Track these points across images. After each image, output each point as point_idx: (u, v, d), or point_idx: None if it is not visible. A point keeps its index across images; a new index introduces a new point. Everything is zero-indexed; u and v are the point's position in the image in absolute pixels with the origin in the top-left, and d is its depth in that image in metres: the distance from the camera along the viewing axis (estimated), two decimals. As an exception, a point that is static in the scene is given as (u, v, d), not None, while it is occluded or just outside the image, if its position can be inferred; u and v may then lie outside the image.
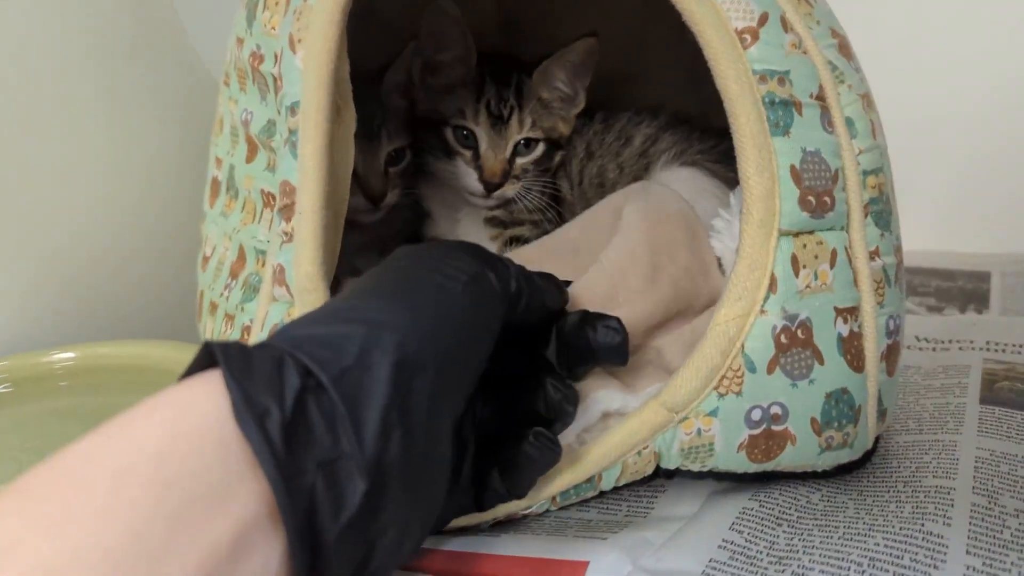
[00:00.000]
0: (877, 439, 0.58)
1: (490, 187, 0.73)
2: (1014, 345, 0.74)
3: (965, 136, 1.04)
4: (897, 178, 1.05)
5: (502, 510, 0.51)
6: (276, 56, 0.54)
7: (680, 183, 0.71)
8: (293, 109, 0.51)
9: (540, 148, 0.75)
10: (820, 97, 0.53)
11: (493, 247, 0.76)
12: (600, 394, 0.52)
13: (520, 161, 0.74)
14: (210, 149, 0.69)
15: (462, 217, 0.79)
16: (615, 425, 0.52)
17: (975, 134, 1.04)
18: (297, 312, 0.51)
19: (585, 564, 0.48)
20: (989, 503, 0.51)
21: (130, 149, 0.79)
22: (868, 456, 0.57)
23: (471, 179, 0.73)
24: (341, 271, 0.69)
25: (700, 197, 0.68)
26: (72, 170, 0.75)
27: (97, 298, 0.75)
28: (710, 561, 0.47)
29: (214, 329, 0.63)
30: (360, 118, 0.75)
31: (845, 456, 0.55)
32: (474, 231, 0.78)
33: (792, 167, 0.52)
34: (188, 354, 0.62)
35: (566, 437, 0.50)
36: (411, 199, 0.81)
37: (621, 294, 0.56)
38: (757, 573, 0.46)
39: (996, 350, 0.74)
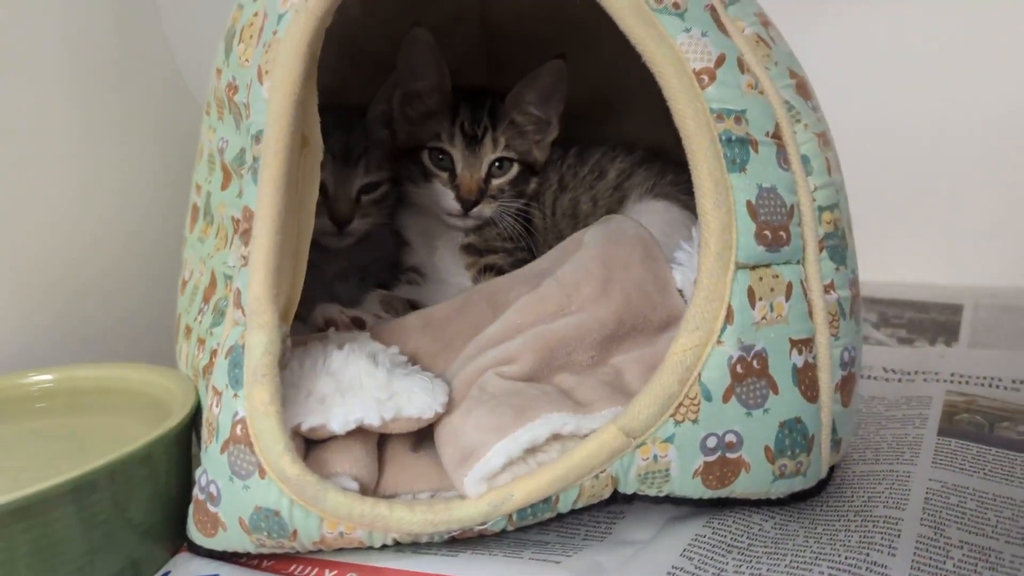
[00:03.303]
0: (833, 468, 0.60)
1: (467, 204, 0.75)
2: (978, 378, 0.76)
3: (944, 170, 1.07)
4: (875, 211, 1.07)
5: (459, 523, 0.52)
6: (248, 86, 0.56)
7: (653, 215, 0.73)
8: (257, 137, 0.53)
9: (515, 169, 0.77)
10: (776, 135, 0.55)
11: (468, 276, 0.78)
12: (552, 416, 0.53)
13: (495, 181, 0.76)
14: (192, 176, 0.71)
15: (439, 246, 0.80)
16: (572, 448, 0.53)
17: (955, 168, 1.06)
18: (253, 337, 0.52)
19: (537, 587, 0.49)
20: (935, 534, 0.52)
21: (113, 174, 0.81)
22: (823, 485, 0.58)
23: (448, 199, 0.75)
24: (320, 296, 0.71)
25: (673, 229, 0.70)
26: (52, 194, 0.77)
27: (76, 321, 0.76)
28: (659, 586, 0.48)
29: (188, 352, 0.64)
30: (341, 146, 0.78)
31: (798, 484, 0.56)
32: (450, 259, 0.80)
33: (748, 202, 0.53)
34: (164, 377, 0.64)
35: (508, 451, 0.52)
36: (391, 228, 0.83)
37: (575, 303, 0.59)
38: (704, 598, 0.48)
39: (960, 382, 0.76)
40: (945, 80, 1.05)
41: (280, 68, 0.52)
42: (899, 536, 0.52)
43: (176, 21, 0.87)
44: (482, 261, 0.78)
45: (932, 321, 0.94)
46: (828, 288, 0.56)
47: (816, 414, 0.56)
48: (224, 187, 0.63)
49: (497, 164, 0.76)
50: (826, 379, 0.56)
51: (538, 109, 0.78)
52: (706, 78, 0.54)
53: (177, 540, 0.58)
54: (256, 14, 0.58)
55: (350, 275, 0.82)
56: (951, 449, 0.63)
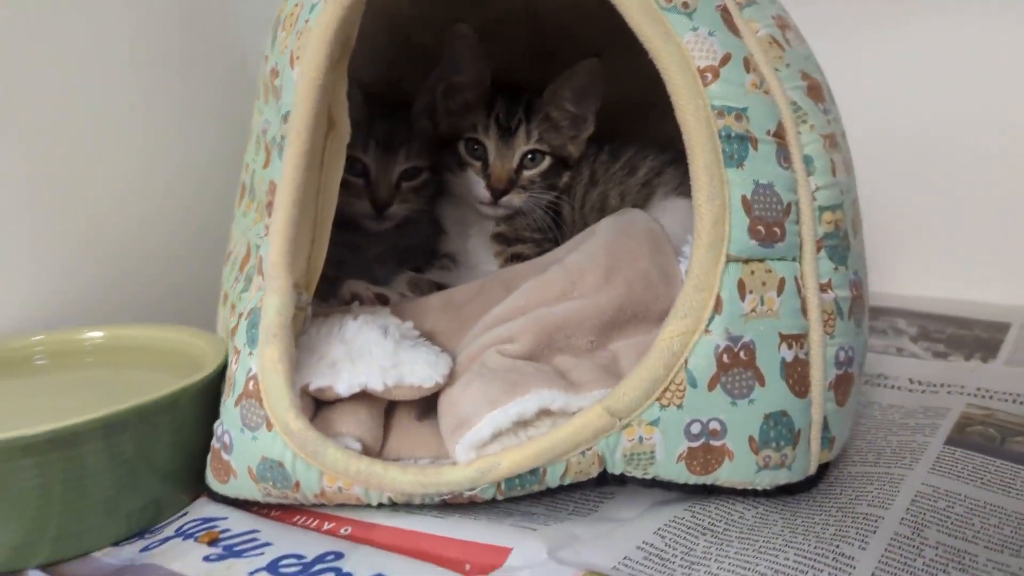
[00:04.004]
0: (827, 467, 0.60)
1: (497, 193, 0.78)
2: (1003, 393, 0.75)
3: (993, 186, 1.04)
4: (928, 227, 1.06)
5: (447, 486, 0.55)
6: (283, 71, 0.60)
7: (676, 212, 0.75)
8: (286, 117, 0.58)
9: (546, 162, 0.80)
10: (778, 135, 0.56)
11: (497, 263, 0.81)
12: (543, 392, 0.55)
13: (527, 173, 0.79)
14: (244, 156, 0.77)
15: (472, 234, 0.84)
16: (561, 423, 0.56)
17: (1004, 184, 1.04)
18: (268, 300, 0.57)
19: (508, 550, 0.52)
20: (912, 533, 0.52)
21: (172, 153, 0.88)
22: (813, 481, 0.59)
23: (480, 187, 0.79)
24: (361, 276, 0.76)
25: (692, 226, 0.71)
26: (115, 170, 0.84)
27: (126, 286, 0.84)
28: (624, 559, 0.51)
29: (223, 317, 0.69)
30: (385, 134, 0.82)
31: (783, 477, 0.57)
32: (481, 247, 0.83)
33: (743, 197, 0.55)
34: (201, 339, 0.70)
35: (497, 422, 0.54)
36: (430, 216, 0.87)
37: (577, 289, 0.61)
38: (664, 573, 0.49)
39: (984, 396, 0.74)
40: (1008, 94, 1.03)
41: (308, 54, 0.57)
42: (875, 532, 0.52)
43: (243, 10, 0.93)
44: (510, 250, 0.81)
45: (974, 338, 0.92)
46: (825, 287, 0.57)
47: (804, 409, 0.57)
48: (265, 166, 0.68)
49: (529, 156, 0.79)
50: (818, 376, 0.57)
51: (573, 105, 0.81)
52: (710, 75, 0.55)
53: (198, 488, 0.63)
54: (297, 4, 0.62)
55: (389, 259, 0.87)
56: (954, 458, 0.62)
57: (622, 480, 0.58)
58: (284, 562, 0.53)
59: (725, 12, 0.57)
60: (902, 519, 0.54)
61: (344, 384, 0.58)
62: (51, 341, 0.73)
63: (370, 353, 0.60)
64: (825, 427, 0.58)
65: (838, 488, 0.59)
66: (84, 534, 0.56)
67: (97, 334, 0.74)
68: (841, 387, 0.58)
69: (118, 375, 0.70)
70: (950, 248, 1.06)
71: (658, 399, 0.55)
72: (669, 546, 0.52)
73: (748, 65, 0.56)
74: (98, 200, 0.82)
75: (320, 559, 0.53)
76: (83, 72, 0.80)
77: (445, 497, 0.57)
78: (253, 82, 0.82)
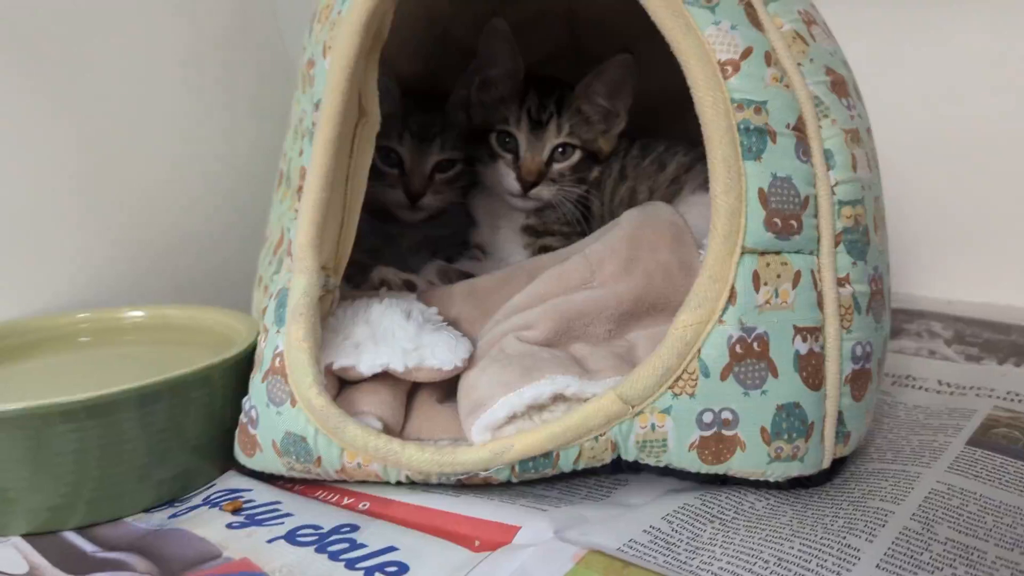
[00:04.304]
0: (842, 462, 0.60)
1: (527, 185, 0.79)
2: (1033, 398, 0.74)
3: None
4: (964, 229, 1.04)
5: (462, 466, 0.56)
6: (317, 61, 0.62)
7: (702, 206, 0.75)
8: (317, 105, 0.60)
9: (576, 155, 0.81)
10: (798, 128, 0.57)
11: (526, 255, 0.83)
12: (557, 378, 0.57)
13: (556, 166, 0.80)
14: (283, 145, 0.79)
15: (502, 225, 0.85)
16: (575, 408, 0.57)
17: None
18: (295, 280, 0.59)
19: (517, 528, 0.53)
20: (922, 528, 0.52)
21: (214, 142, 0.92)
22: (827, 475, 0.59)
23: (510, 179, 0.80)
24: (395, 265, 0.78)
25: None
26: (159, 156, 0.87)
27: (167, 268, 0.88)
28: (629, 541, 0.51)
29: (257, 298, 0.72)
30: (420, 126, 0.84)
31: (795, 469, 0.57)
32: (511, 239, 0.84)
33: (760, 190, 0.55)
34: (236, 319, 0.72)
35: (512, 405, 0.56)
36: (462, 207, 0.89)
37: (597, 278, 0.62)
38: (669, 557, 0.50)
39: (1013, 400, 0.73)
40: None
41: (339, 44, 0.59)
42: (884, 526, 0.52)
43: (288, 5, 0.96)
44: (539, 242, 0.82)
45: (1011, 343, 0.90)
46: (843, 281, 0.57)
47: (818, 402, 0.57)
48: (300, 154, 0.70)
49: (560, 149, 0.81)
50: (833, 370, 0.57)
51: (605, 100, 0.82)
52: (730, 69, 0.56)
53: (227, 461, 0.65)
54: (332, -3, 0.65)
55: (422, 248, 0.89)
56: (974, 458, 0.62)
57: (636, 467, 0.59)
58: (302, 532, 0.55)
59: (749, 7, 0.58)
60: (913, 514, 0.54)
61: (366, 364, 0.60)
62: (95, 319, 0.77)
63: (393, 335, 0.62)
64: (840, 421, 0.58)
65: (853, 483, 0.59)
66: (117, 499, 0.59)
67: (138, 313, 0.78)
68: (858, 382, 0.58)
69: (156, 351, 0.73)
70: (990, 252, 1.04)
71: (671, 387, 0.56)
72: (676, 531, 0.53)
73: (769, 59, 0.57)
74: (140, 186, 0.86)
75: (336, 530, 0.55)
76: (132, 60, 0.84)
77: (461, 477, 0.59)
78: (293, 75, 0.84)
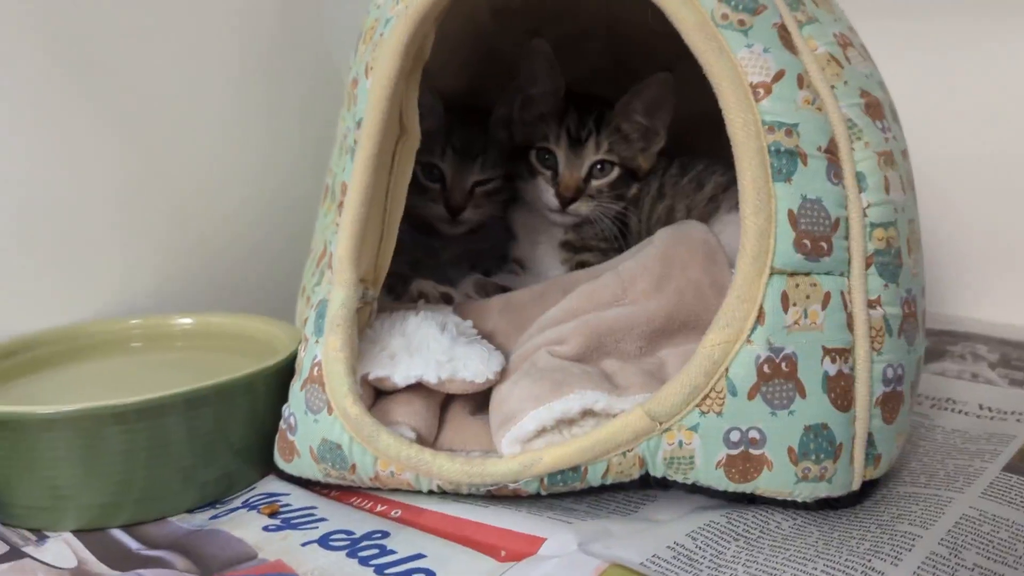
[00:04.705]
0: (873, 484, 0.60)
1: (565, 201, 0.80)
2: (1077, 425, 0.72)
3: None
4: (1013, 252, 1.02)
5: (491, 477, 0.57)
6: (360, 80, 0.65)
7: (737, 226, 0.75)
8: (359, 123, 0.62)
9: (615, 172, 0.82)
10: (830, 150, 0.57)
11: (562, 270, 0.84)
12: (587, 393, 0.58)
13: (595, 182, 0.81)
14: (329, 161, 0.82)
15: (541, 240, 0.87)
16: (604, 423, 0.58)
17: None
18: (334, 292, 0.61)
19: (542, 540, 0.54)
20: (950, 554, 0.52)
21: (258, 154, 0.95)
22: (857, 497, 0.59)
23: (549, 195, 0.81)
24: (435, 277, 0.80)
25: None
26: (204, 168, 0.91)
27: (215, 278, 0.91)
28: (652, 556, 0.52)
29: (300, 308, 0.75)
30: (463, 142, 0.86)
31: (823, 490, 0.57)
32: (549, 254, 0.86)
33: (790, 211, 0.56)
34: (279, 328, 0.75)
35: (542, 418, 0.57)
36: (502, 222, 0.90)
37: (629, 295, 0.63)
38: (691, 574, 0.51)
39: (1056, 427, 0.72)
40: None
41: (380, 64, 0.61)
42: (910, 550, 0.52)
43: (337, 24, 0.99)
44: (576, 258, 0.83)
45: (1060, 368, 0.89)
46: (874, 303, 0.57)
47: (847, 424, 0.57)
48: (343, 169, 0.72)
49: (599, 166, 0.82)
50: (863, 391, 0.57)
51: (644, 118, 0.83)
52: (762, 91, 0.57)
53: (267, 466, 0.67)
54: (376, 19, 0.67)
55: (461, 261, 0.90)
56: (1009, 484, 0.61)
57: (665, 484, 0.60)
58: (334, 536, 0.57)
59: (783, 30, 0.58)
60: (941, 539, 0.53)
61: (401, 375, 0.62)
62: (146, 325, 0.81)
63: (427, 347, 0.64)
64: (870, 443, 0.58)
65: (883, 506, 0.59)
66: (163, 499, 0.62)
67: (187, 320, 0.81)
68: (889, 404, 0.58)
69: (203, 358, 0.76)
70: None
71: (698, 405, 0.57)
72: (699, 548, 0.54)
73: (802, 82, 0.57)
74: (189, 199, 0.89)
75: (367, 536, 0.57)
76: (182, 75, 0.88)
77: (491, 488, 0.60)
78: (337, 91, 0.87)
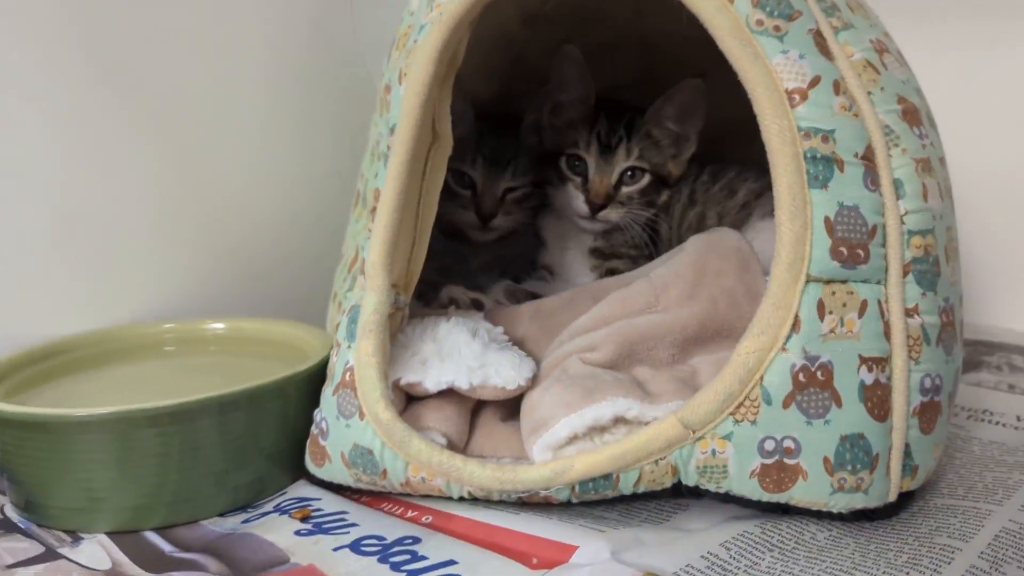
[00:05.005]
0: (909, 496, 0.59)
1: (595, 207, 0.80)
2: (1119, 437, 0.71)
3: None
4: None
5: (522, 484, 0.57)
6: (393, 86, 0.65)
7: (769, 232, 0.74)
8: (392, 130, 0.62)
9: (645, 179, 0.81)
10: (866, 157, 0.56)
11: (592, 277, 0.83)
12: (619, 400, 0.57)
13: (625, 189, 0.81)
14: (361, 166, 0.82)
15: (571, 247, 0.86)
16: (636, 431, 0.57)
17: None
18: (367, 298, 0.61)
19: (574, 548, 0.54)
20: (990, 567, 0.51)
21: (290, 162, 0.96)
22: (893, 509, 0.58)
23: (579, 201, 0.81)
24: (465, 283, 0.80)
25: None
26: (236, 177, 0.92)
27: (247, 283, 0.92)
28: (686, 566, 0.52)
29: (331, 314, 0.75)
30: (493, 149, 0.86)
31: (859, 501, 0.57)
32: (579, 261, 0.86)
33: (826, 218, 0.55)
34: (311, 334, 0.75)
35: (573, 425, 0.56)
36: (532, 229, 0.90)
37: (661, 303, 0.63)
38: (726, 584, 0.50)
39: (1096, 439, 0.71)
40: None
41: (414, 71, 0.61)
42: (950, 564, 0.51)
43: (369, 31, 1.00)
44: (606, 265, 0.83)
45: (1098, 379, 0.87)
46: (911, 312, 0.57)
47: (884, 434, 0.56)
48: (376, 175, 0.73)
49: (629, 173, 0.81)
50: (900, 401, 0.56)
51: (675, 124, 0.83)
52: (797, 97, 0.56)
53: (298, 470, 0.68)
54: (410, 26, 0.67)
55: (492, 268, 0.90)
56: (1049, 498, 0.60)
57: (697, 492, 0.59)
58: (366, 542, 0.57)
59: (818, 36, 0.58)
60: (981, 552, 0.53)
61: (432, 380, 0.62)
62: (179, 330, 0.81)
63: (459, 353, 0.64)
64: (907, 454, 0.57)
65: (920, 518, 0.58)
66: (195, 502, 0.62)
67: (219, 325, 0.82)
68: (926, 415, 0.57)
69: (235, 362, 0.77)
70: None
71: (732, 414, 0.56)
72: (733, 558, 0.53)
73: (838, 88, 0.57)
74: (223, 206, 0.90)
75: (399, 542, 0.57)
76: (215, 77, 0.88)
77: (522, 495, 0.60)
78: (370, 98, 0.88)
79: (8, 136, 0.75)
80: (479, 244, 0.89)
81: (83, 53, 0.78)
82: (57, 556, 0.57)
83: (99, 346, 0.78)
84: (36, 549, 0.58)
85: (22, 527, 0.62)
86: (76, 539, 0.60)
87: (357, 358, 0.61)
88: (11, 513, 0.64)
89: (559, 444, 0.58)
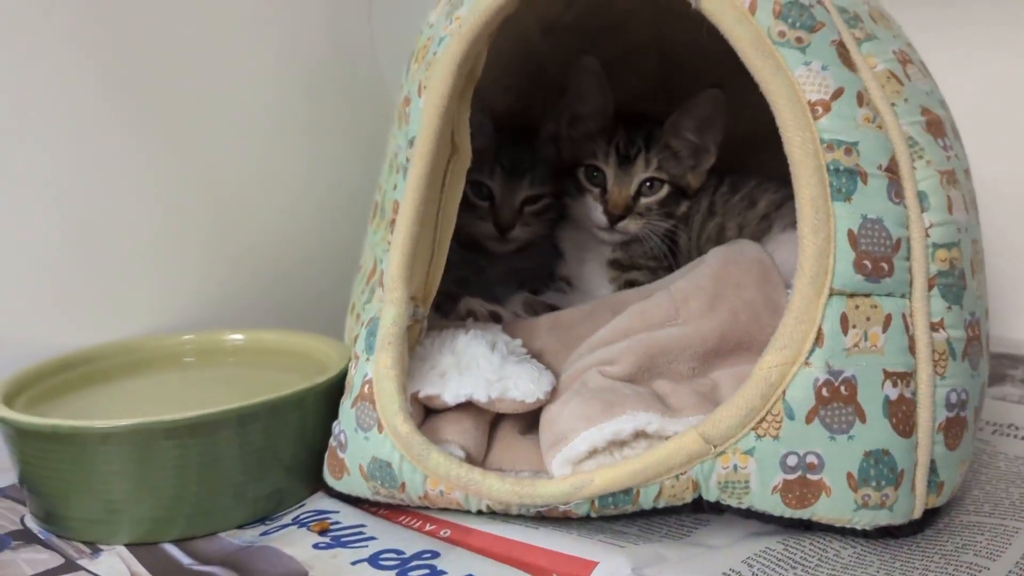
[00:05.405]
0: (935, 512, 0.58)
1: (613, 218, 0.80)
2: None
3: None
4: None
5: (542, 498, 0.57)
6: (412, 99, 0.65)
7: (791, 243, 0.74)
8: (411, 142, 0.62)
9: (664, 190, 0.81)
10: (890, 169, 0.56)
11: (611, 289, 0.83)
12: (639, 414, 0.57)
13: (644, 200, 0.81)
14: (379, 178, 0.82)
15: (589, 259, 0.86)
16: (656, 446, 0.57)
17: None
18: (385, 310, 0.61)
19: (594, 564, 0.53)
20: (1020, 586, 0.50)
21: (298, 173, 0.96)
22: (918, 526, 0.57)
23: (597, 212, 0.81)
24: (483, 295, 0.80)
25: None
26: (266, 196, 0.92)
27: (267, 295, 0.92)
28: (708, 582, 0.51)
29: (349, 326, 0.75)
30: (511, 160, 0.86)
31: (884, 518, 0.56)
32: (597, 272, 0.85)
33: (850, 231, 0.55)
34: (329, 346, 0.75)
35: (593, 440, 0.56)
36: (550, 240, 0.90)
37: (682, 315, 0.62)
38: (749, 601, 0.50)
39: (1126, 455, 0.70)
40: None
41: (433, 83, 0.61)
42: (977, 583, 0.51)
43: (387, 42, 1.00)
44: (625, 276, 0.82)
45: (1126, 394, 0.86)
46: (937, 326, 0.56)
47: (909, 450, 0.55)
48: (394, 188, 0.73)
49: (648, 184, 0.81)
50: (926, 417, 0.56)
51: (694, 135, 0.82)
52: (820, 109, 0.56)
53: (317, 482, 0.68)
54: (429, 38, 0.67)
55: (509, 279, 0.90)
56: (1078, 515, 0.59)
57: (718, 508, 0.59)
58: (384, 556, 0.57)
59: (841, 47, 0.57)
60: (1009, 571, 0.52)
61: (451, 393, 0.62)
62: (199, 341, 0.82)
63: (477, 365, 0.64)
64: (933, 470, 0.56)
65: (945, 536, 0.57)
66: (214, 514, 0.62)
67: (238, 337, 0.82)
68: (952, 430, 0.57)
69: (254, 374, 0.77)
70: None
71: (754, 429, 0.55)
72: (756, 575, 0.52)
73: (862, 99, 0.56)
74: (241, 219, 0.91)
75: (417, 556, 0.57)
76: (229, 88, 0.89)
77: (540, 509, 0.59)
78: (386, 109, 0.88)
79: (26, 150, 0.76)
80: (497, 256, 0.89)
81: (95, 68, 0.79)
82: (76, 568, 0.57)
83: (119, 357, 0.78)
84: (55, 560, 0.58)
85: (42, 538, 0.62)
86: (95, 551, 0.60)
87: (376, 370, 0.61)
88: (31, 524, 0.64)
89: (579, 458, 0.58)
